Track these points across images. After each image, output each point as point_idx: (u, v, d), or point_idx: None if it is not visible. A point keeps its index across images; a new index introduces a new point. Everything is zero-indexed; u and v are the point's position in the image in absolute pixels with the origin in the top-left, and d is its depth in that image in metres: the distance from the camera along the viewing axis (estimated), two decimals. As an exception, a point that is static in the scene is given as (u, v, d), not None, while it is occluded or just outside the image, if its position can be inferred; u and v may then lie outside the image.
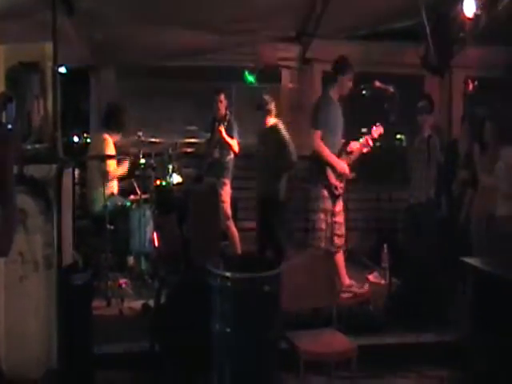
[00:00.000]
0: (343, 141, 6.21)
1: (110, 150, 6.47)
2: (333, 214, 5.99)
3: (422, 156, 6.63)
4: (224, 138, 6.95)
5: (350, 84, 6.00)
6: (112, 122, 6.59)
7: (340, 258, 6.10)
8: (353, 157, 6.10)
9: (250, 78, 8.38)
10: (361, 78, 6.26)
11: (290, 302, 4.30)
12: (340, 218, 6.09)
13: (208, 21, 6.76)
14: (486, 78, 8.61)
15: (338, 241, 6.06)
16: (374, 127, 6.07)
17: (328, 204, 5.92)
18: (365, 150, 6.11)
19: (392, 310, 5.42)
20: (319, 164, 5.97)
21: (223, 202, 6.94)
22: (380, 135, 6.13)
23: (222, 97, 7.22)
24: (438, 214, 6.79)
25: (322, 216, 5.90)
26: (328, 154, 5.91)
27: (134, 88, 8.51)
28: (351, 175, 6.08)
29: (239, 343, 3.93)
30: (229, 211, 7.06)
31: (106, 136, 6.52)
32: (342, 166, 5.97)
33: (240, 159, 7.31)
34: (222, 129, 6.94)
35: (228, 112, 7.22)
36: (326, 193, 5.92)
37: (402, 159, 6.99)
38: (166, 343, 4.57)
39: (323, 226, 5.91)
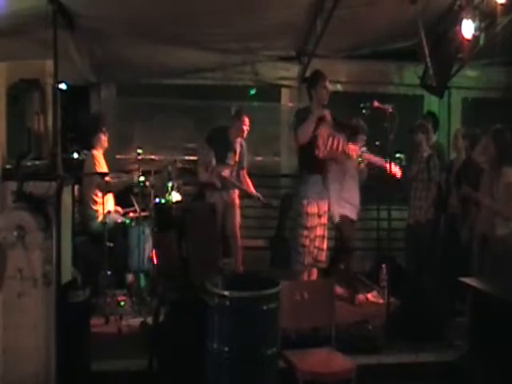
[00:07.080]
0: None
1: (101, 165, 6.47)
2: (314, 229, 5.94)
3: (422, 175, 6.66)
4: (246, 191, 6.94)
5: (326, 91, 5.94)
6: (92, 136, 6.57)
7: (314, 274, 6.05)
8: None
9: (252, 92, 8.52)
10: (360, 97, 6.29)
11: (288, 320, 4.30)
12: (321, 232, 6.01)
13: (209, 40, 6.81)
14: (485, 99, 8.67)
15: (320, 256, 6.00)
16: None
17: (310, 221, 5.88)
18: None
19: (391, 329, 5.40)
20: (299, 180, 5.97)
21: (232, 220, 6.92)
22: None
23: (247, 119, 6.81)
24: (438, 234, 6.79)
25: (305, 232, 5.88)
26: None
27: (134, 105, 8.55)
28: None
29: (237, 362, 3.92)
30: (236, 229, 6.97)
31: (95, 152, 6.52)
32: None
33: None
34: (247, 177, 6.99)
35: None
36: (308, 209, 5.88)
37: (401, 178, 6.98)
38: (164, 361, 4.56)
39: (306, 242, 5.87)
